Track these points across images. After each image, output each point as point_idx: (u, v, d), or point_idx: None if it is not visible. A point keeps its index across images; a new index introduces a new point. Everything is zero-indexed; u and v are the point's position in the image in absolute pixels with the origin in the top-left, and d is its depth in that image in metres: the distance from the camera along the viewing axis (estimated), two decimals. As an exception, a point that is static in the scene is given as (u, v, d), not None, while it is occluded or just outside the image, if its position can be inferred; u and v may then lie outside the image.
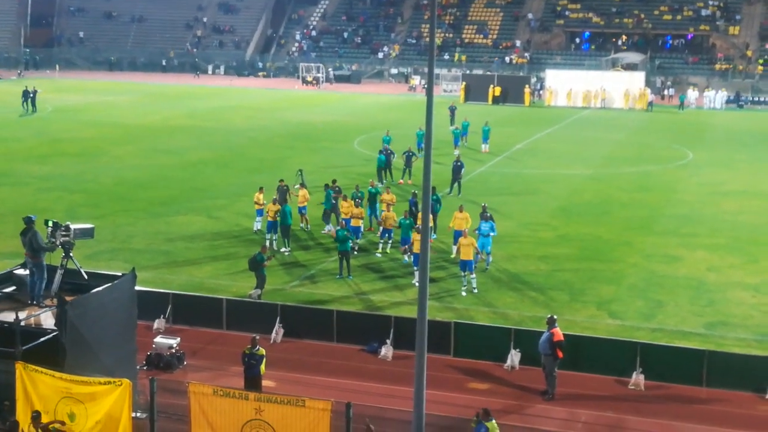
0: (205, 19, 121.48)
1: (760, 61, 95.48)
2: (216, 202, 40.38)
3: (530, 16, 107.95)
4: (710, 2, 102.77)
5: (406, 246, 30.69)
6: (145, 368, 22.22)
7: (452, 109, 62.57)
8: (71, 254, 19.83)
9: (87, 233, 20.47)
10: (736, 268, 31.25)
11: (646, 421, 20.63)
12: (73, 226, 20.00)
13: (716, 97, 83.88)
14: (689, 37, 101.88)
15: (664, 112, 77.50)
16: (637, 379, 22.49)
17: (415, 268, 28.89)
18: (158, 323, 25.52)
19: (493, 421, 17.54)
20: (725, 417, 20.90)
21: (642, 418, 20.76)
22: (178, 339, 23.52)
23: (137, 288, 20.25)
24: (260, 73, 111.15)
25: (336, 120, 69.39)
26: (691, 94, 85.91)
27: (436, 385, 20.28)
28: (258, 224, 34.59)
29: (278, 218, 32.39)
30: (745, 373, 22.26)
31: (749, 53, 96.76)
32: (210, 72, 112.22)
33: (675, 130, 67.64)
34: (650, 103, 79.76)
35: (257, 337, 21.20)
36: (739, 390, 22.07)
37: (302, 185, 36.31)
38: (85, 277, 20.01)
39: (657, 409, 21.32)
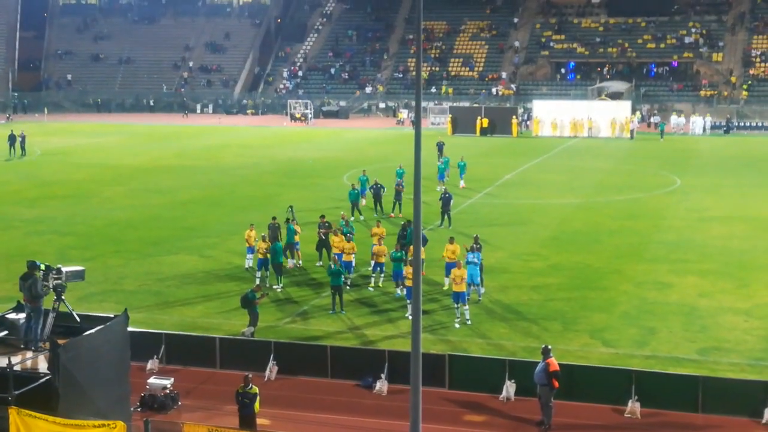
0: (191, 62, 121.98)
1: (744, 86, 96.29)
2: (207, 240, 40.37)
3: (516, 46, 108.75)
4: (693, 30, 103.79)
5: (396, 279, 30.73)
6: (139, 410, 22.10)
7: (440, 146, 62.78)
8: (63, 297, 19.78)
9: (78, 275, 20.42)
10: (727, 293, 31.34)
11: (643, 449, 20.61)
12: (64, 269, 19.97)
13: (700, 122, 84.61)
14: (674, 64, 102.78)
15: (651, 139, 77.93)
16: (633, 407, 22.46)
17: (408, 301, 28.88)
18: (151, 364, 25.41)
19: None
20: (722, 443, 20.89)
21: (639, 446, 20.74)
22: (172, 379, 23.42)
23: (130, 329, 20.21)
24: (249, 111, 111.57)
25: (325, 156, 69.59)
26: (676, 120, 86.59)
27: (432, 419, 20.22)
28: (249, 261, 34.58)
29: (269, 255, 32.41)
30: (740, 398, 22.26)
31: (733, 79, 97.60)
32: (198, 111, 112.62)
33: (662, 156, 68.02)
34: (632, 131, 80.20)
35: (250, 376, 21.11)
36: (735, 415, 22.06)
37: (294, 221, 36.35)
38: (77, 319, 19.95)
39: (653, 436, 21.30)
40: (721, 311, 29.44)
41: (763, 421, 21.75)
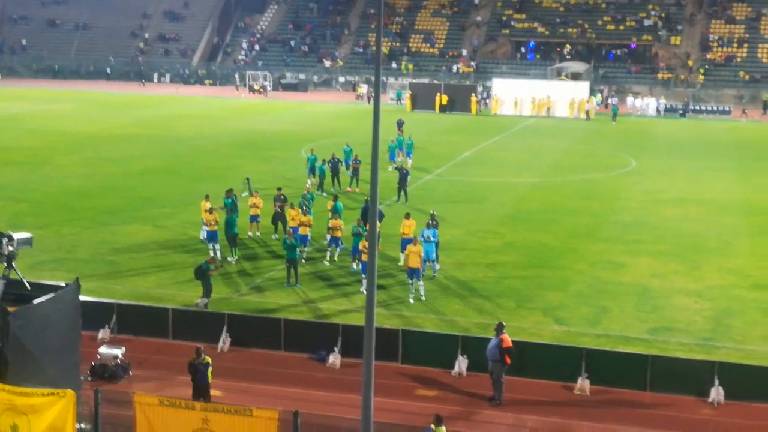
0: (149, 30, 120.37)
1: (701, 70, 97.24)
2: (162, 211, 40.05)
3: (478, 21, 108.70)
4: (652, 13, 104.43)
5: (353, 254, 30.74)
6: (89, 379, 21.94)
7: (399, 123, 62.62)
8: (14, 264, 19.51)
9: (26, 242, 20.14)
10: (679, 275, 31.77)
11: (591, 425, 20.87)
12: (15, 236, 19.69)
13: (653, 104, 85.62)
14: (632, 46, 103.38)
15: (608, 121, 78.49)
16: (583, 384, 22.74)
17: (363, 275, 28.91)
18: (103, 333, 25.21)
19: (443, 427, 17.62)
20: (669, 421, 21.22)
21: (587, 423, 21.00)
22: (123, 349, 23.27)
23: (81, 298, 20.00)
24: (206, 82, 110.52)
25: (283, 129, 69.23)
26: (633, 102, 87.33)
27: (385, 393, 20.30)
28: (204, 233, 34.37)
29: (217, 228, 32.28)
30: (688, 378, 22.62)
31: (690, 63, 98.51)
32: (155, 80, 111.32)
33: (618, 138, 68.57)
34: (587, 112, 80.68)
35: (202, 347, 21.05)
36: (683, 394, 22.42)
37: (256, 193, 36.12)
38: (28, 287, 19.69)
39: (602, 413, 21.58)
40: (673, 292, 29.84)
41: (710, 400, 22.13)
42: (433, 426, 17.64)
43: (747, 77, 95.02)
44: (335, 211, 33.80)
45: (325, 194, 42.30)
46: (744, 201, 44.46)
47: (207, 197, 34.55)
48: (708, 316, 27.76)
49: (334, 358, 24.08)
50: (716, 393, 22.12)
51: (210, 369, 20.61)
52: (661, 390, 22.49)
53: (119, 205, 41.18)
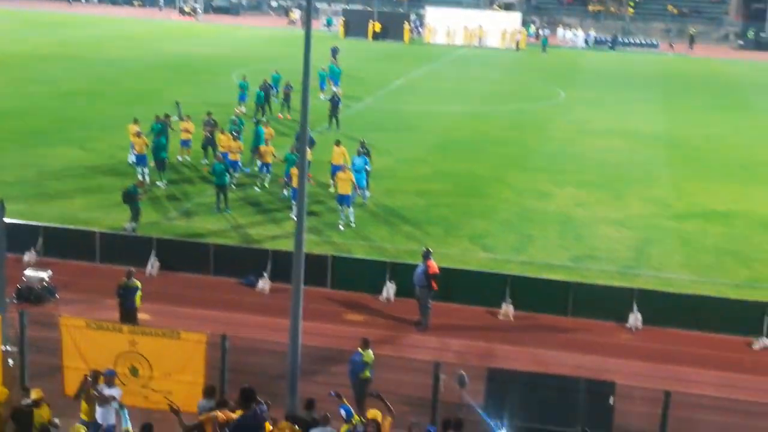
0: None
1: (631, 3, 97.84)
2: (90, 133, 39.39)
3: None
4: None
5: (285, 179, 30.69)
6: (15, 302, 21.74)
7: (334, 50, 62.00)
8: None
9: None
10: (603, 204, 32.47)
11: (514, 349, 21.44)
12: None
13: (582, 36, 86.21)
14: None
15: (538, 52, 78.82)
16: (507, 309, 23.30)
17: (293, 202, 28.95)
18: (28, 256, 24.95)
19: (370, 351, 17.94)
20: (589, 345, 21.91)
21: (510, 347, 21.57)
22: (50, 272, 23.09)
23: (6, 220, 19.72)
24: (135, 3, 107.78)
25: (214, 53, 68.12)
26: (563, 33, 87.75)
27: (313, 317, 20.55)
28: (133, 156, 33.95)
29: (146, 152, 31.93)
30: (608, 304, 23.32)
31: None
32: (83, 0, 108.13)
33: (548, 69, 69.01)
34: (517, 42, 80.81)
35: (133, 270, 21.00)
36: (602, 320, 23.14)
37: (187, 117, 35.67)
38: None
39: (525, 337, 22.19)
40: (596, 221, 30.53)
41: (628, 325, 22.88)
42: (360, 349, 17.94)
43: (675, 11, 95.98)
44: (257, 138, 33.69)
45: (265, 120, 42.02)
46: (667, 133, 45.38)
47: (135, 120, 34.06)
48: (629, 244, 28.52)
49: (263, 283, 24.23)
50: (634, 319, 22.88)
51: (139, 293, 20.60)
52: (582, 315, 23.17)
53: (45, 127, 40.35)
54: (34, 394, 15.01)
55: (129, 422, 14.51)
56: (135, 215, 27.17)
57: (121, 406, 15.08)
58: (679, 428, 16.77)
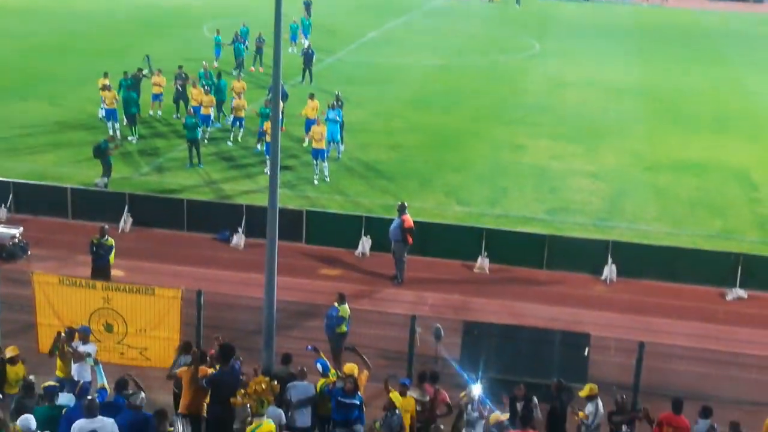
0: None
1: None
2: (59, 88, 38.83)
3: None
4: None
5: (259, 133, 30.44)
6: (-14, 259, 21.56)
7: (307, 5, 61.17)
8: None
9: None
10: (577, 157, 32.49)
11: (489, 302, 21.53)
12: None
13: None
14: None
15: (512, 3, 78.27)
16: (482, 263, 23.35)
17: (267, 156, 28.73)
18: (-1, 213, 24.70)
19: (346, 305, 17.93)
20: (563, 297, 22.03)
21: (486, 299, 21.65)
22: (21, 228, 22.86)
23: (-25, 176, 19.49)
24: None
25: (184, 3, 67.11)
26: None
27: (289, 272, 20.47)
28: (103, 111, 33.52)
29: (116, 106, 31.57)
30: (582, 256, 23.44)
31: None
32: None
33: (523, 21, 68.62)
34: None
35: (106, 227, 20.80)
36: (577, 272, 23.27)
37: (158, 71, 35.19)
38: None
39: (500, 290, 22.28)
40: (571, 174, 30.55)
41: (603, 277, 23.00)
42: (336, 304, 17.93)
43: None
44: (219, 92, 33.33)
45: (242, 76, 41.54)
46: (642, 85, 45.34)
47: (105, 74, 33.60)
48: (603, 197, 28.60)
49: (238, 239, 24.12)
50: (609, 271, 23.00)
51: (113, 250, 20.42)
52: (557, 268, 23.28)
53: (13, 81, 39.73)
54: (10, 351, 14.88)
55: (104, 378, 14.44)
56: (106, 170, 26.89)
57: (96, 362, 14.97)
58: (653, 378, 16.92)
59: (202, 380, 14.10)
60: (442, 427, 14.10)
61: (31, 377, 14.37)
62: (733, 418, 14.34)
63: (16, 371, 14.77)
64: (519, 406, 14.72)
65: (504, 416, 14.36)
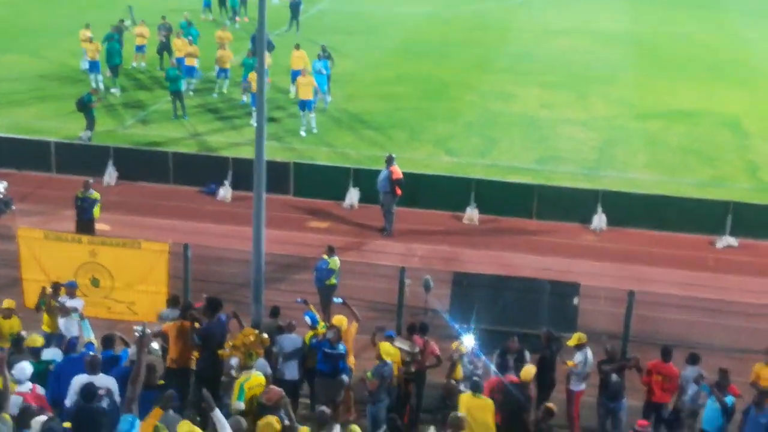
0: None
1: None
2: (41, 40, 38.22)
3: None
4: None
5: (244, 85, 30.06)
6: (-31, 217, 21.32)
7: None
8: None
9: None
10: (567, 105, 32.23)
11: (479, 253, 21.42)
12: None
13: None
14: None
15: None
16: (471, 213, 23.22)
17: (253, 108, 28.39)
18: (-18, 168, 24.39)
19: (336, 257, 17.81)
20: (553, 246, 21.96)
21: (475, 251, 21.55)
22: (5, 183, 22.54)
23: (-44, 131, 19.19)
24: None
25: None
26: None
27: (276, 225, 20.29)
28: (86, 63, 33.03)
29: (98, 57, 31.13)
30: (572, 206, 23.32)
31: None
32: None
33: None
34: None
35: (90, 181, 20.57)
36: (567, 221, 23.17)
37: (142, 22, 34.65)
38: None
39: (489, 241, 22.19)
40: (560, 122, 30.33)
41: (592, 226, 22.91)
42: (325, 256, 17.81)
43: None
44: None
45: (238, 26, 41.07)
46: (632, 32, 44.85)
47: (87, 26, 33.05)
48: (593, 145, 28.42)
49: (225, 192, 23.91)
50: (599, 220, 22.92)
51: (98, 205, 20.20)
52: (547, 218, 23.18)
53: (-6, 34, 39.17)
54: (5, 304, 14.71)
55: (91, 333, 14.33)
56: (90, 124, 26.58)
57: (82, 317, 14.88)
58: (643, 327, 16.91)
59: (190, 334, 14.00)
60: (453, 381, 14.13)
61: (23, 333, 14.19)
62: (722, 365, 14.33)
63: (10, 325, 14.64)
64: (510, 359, 14.65)
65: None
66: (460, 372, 14.64)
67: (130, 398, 10.60)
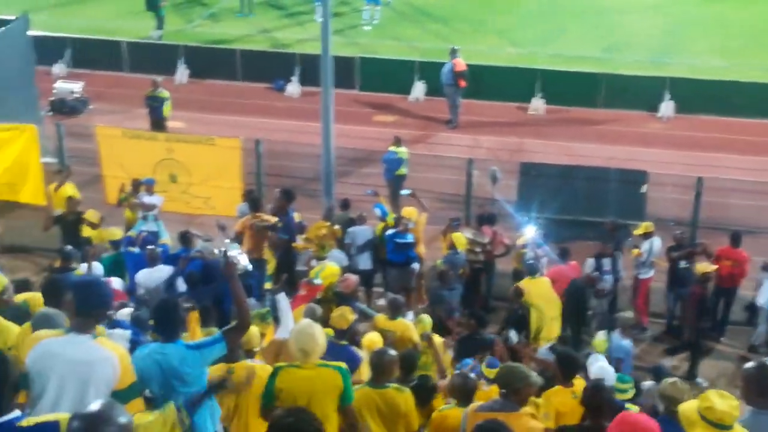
0: None
1: None
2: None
3: None
4: None
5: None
6: (50, 114, 21.96)
7: None
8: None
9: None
10: (633, -9, 31.55)
11: (545, 143, 21.48)
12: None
13: None
14: None
15: None
16: (537, 104, 23.22)
17: (318, 3, 28.39)
18: (58, 68, 24.99)
19: (403, 147, 18.06)
20: (620, 135, 21.92)
21: (542, 141, 21.61)
22: (82, 83, 23.16)
23: (32, 33, 19.65)
24: None
25: None
26: None
27: (344, 120, 20.49)
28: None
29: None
30: (639, 93, 23.15)
31: None
32: None
33: None
34: None
35: (159, 79, 20.98)
36: (634, 110, 23.04)
37: None
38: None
39: (556, 131, 22.20)
40: (627, 9, 29.78)
41: (659, 114, 22.78)
42: (393, 147, 18.05)
43: None
44: None
45: None
46: None
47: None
48: (662, 30, 27.94)
49: (293, 87, 24.20)
50: (666, 107, 22.76)
51: (167, 103, 20.58)
52: (614, 106, 23.08)
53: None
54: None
55: (166, 234, 14.72)
56: (159, 23, 26.91)
57: (156, 218, 15.06)
58: (712, 213, 16.87)
59: (262, 224, 14.19)
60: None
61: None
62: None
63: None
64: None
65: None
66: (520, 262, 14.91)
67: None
